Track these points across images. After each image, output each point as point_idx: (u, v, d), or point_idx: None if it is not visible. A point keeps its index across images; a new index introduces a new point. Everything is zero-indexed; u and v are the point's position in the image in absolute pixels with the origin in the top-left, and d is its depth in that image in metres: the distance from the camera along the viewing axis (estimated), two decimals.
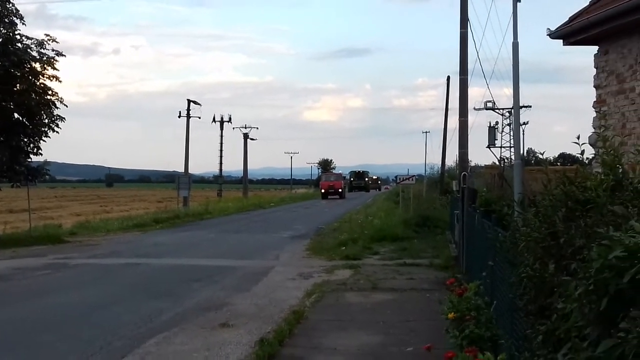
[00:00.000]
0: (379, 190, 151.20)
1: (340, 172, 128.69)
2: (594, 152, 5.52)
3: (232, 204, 65.47)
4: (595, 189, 4.44)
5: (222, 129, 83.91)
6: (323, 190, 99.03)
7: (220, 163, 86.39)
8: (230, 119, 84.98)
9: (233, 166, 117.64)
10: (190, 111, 69.03)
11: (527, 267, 4.51)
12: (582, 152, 5.35)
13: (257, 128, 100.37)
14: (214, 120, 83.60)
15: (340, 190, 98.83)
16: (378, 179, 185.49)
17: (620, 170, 4.63)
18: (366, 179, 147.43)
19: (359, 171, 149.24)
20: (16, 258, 24.71)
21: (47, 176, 34.50)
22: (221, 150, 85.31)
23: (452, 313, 9.26)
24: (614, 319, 3.04)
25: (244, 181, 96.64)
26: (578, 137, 5.33)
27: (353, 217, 41.44)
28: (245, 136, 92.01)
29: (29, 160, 31.39)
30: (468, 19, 30.54)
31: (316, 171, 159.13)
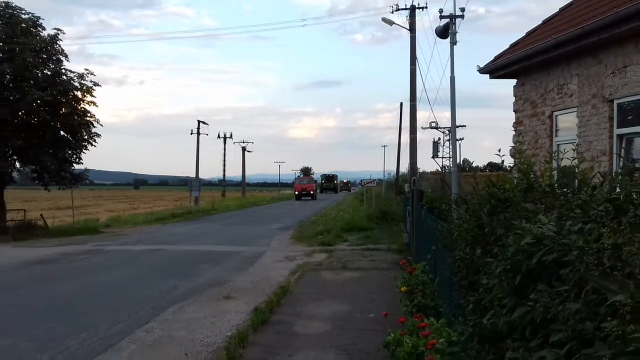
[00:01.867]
0: (349, 191, 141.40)
1: (312, 175, 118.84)
2: (513, 162, 5.55)
3: (233, 203, 65.30)
4: (512, 190, 4.48)
5: (225, 143, 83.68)
6: (297, 192, 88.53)
7: (224, 170, 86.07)
8: (231, 135, 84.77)
9: (233, 172, 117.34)
10: (200, 129, 69.01)
11: (460, 251, 4.53)
12: (502, 162, 5.43)
13: (253, 142, 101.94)
14: (218, 136, 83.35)
15: (312, 192, 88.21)
16: (348, 182, 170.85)
17: (532, 176, 4.66)
18: (335, 182, 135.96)
19: (329, 175, 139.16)
20: (62, 245, 24.58)
21: (86, 180, 34.31)
22: (224, 160, 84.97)
23: (404, 287, 9.29)
24: (526, 291, 3.06)
25: (242, 184, 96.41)
26: (499, 150, 5.40)
27: (327, 212, 41.42)
28: (243, 149, 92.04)
29: (73, 168, 31.24)
30: (416, 58, 30.80)
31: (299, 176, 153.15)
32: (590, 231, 3.02)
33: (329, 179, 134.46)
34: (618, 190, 3.67)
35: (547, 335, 2.78)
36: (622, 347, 2.03)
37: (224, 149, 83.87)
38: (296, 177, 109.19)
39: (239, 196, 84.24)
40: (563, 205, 3.74)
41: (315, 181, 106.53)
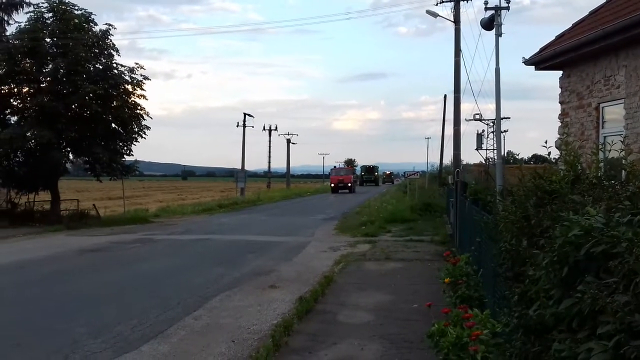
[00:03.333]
0: (392, 183, 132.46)
1: (350, 166, 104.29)
2: (559, 154, 5.46)
3: (278, 194, 65.70)
4: (559, 182, 4.41)
5: (270, 135, 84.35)
6: (332, 185, 79.03)
7: (269, 161, 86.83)
8: (276, 127, 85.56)
9: (278, 164, 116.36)
10: (245, 122, 69.87)
11: (506, 242, 4.48)
12: (549, 154, 5.33)
13: (297, 135, 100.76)
14: (263, 128, 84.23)
15: (349, 184, 77.87)
16: (392, 173, 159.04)
17: (579, 168, 4.59)
18: (376, 174, 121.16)
19: (370, 166, 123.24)
20: (113, 234, 25.00)
21: (136, 172, 34.71)
22: (269, 152, 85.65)
23: (448, 278, 9.23)
24: (573, 283, 3.02)
25: (287, 175, 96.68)
26: (546, 142, 5.31)
27: (371, 203, 41.34)
28: (288, 141, 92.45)
29: (123, 159, 31.62)
30: (460, 50, 30.46)
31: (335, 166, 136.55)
32: (639, 223, 2.96)
33: (370, 170, 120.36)
34: None
35: (594, 327, 2.74)
36: None
37: (269, 141, 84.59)
38: (332, 167, 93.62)
39: (283, 187, 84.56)
40: (611, 197, 3.67)
41: (354, 172, 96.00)
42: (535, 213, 4.19)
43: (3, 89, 29.73)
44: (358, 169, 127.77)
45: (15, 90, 30.07)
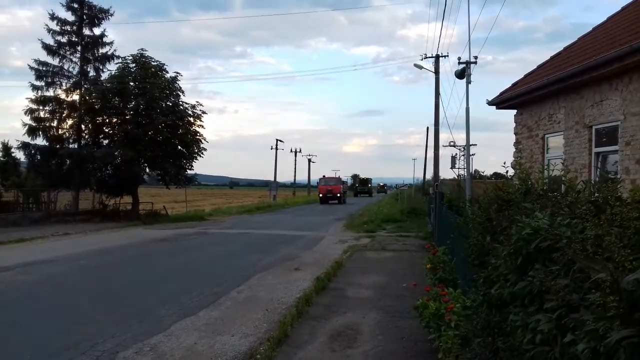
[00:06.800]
0: (385, 193, 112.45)
1: (339, 176, 72.70)
2: (514, 172, 5.43)
3: (301, 199, 65.61)
4: (514, 193, 4.38)
5: (295, 156, 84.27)
6: (321, 195, 59.48)
7: (294, 175, 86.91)
8: (300, 150, 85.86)
9: (301, 177, 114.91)
10: (277, 145, 70.06)
11: (474, 238, 4.46)
12: (507, 172, 5.32)
13: (316, 155, 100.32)
14: (291, 150, 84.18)
15: (339, 195, 59.06)
16: (384, 185, 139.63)
17: (529, 183, 4.56)
18: (369, 185, 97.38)
19: (363, 178, 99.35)
20: (178, 228, 25.11)
21: (196, 182, 35.07)
22: (295, 168, 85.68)
23: (429, 264, 9.20)
24: (525, 270, 3.00)
25: (307, 186, 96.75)
26: (504, 163, 5.29)
27: (371, 208, 41.26)
28: (309, 160, 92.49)
29: (186, 172, 31.74)
30: (439, 93, 30.42)
31: (351, 181, 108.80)
32: (576, 225, 2.94)
33: (363, 182, 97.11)
34: (596, 194, 3.58)
35: (542, 303, 2.72)
36: (602, 313, 2.00)
37: (295, 160, 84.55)
38: (321, 177, 65.98)
39: (305, 195, 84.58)
40: (554, 205, 3.65)
41: (344, 182, 70.56)
42: (496, 216, 4.17)
43: (98, 119, 30.02)
44: (350, 180, 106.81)
45: (107, 120, 30.37)
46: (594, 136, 10.76)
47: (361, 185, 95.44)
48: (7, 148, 33.55)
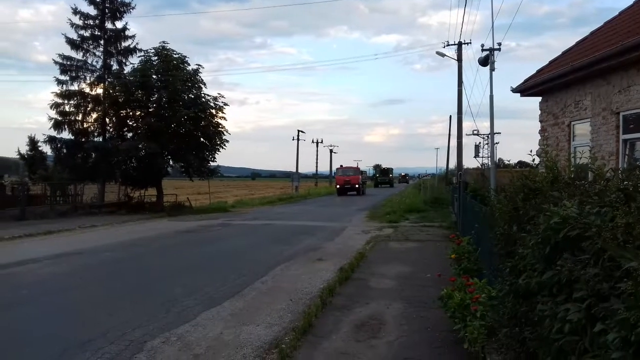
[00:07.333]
0: (407, 183, 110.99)
1: (357, 165, 66.95)
2: (539, 160, 5.36)
3: (323, 190, 65.54)
4: (541, 182, 4.33)
5: (317, 146, 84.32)
6: (338, 186, 56.39)
7: (316, 166, 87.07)
8: (322, 141, 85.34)
9: (323, 168, 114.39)
10: (299, 136, 70.20)
11: (500, 227, 4.43)
12: (533, 160, 5.25)
13: (338, 146, 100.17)
14: (312, 141, 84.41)
15: (357, 185, 55.05)
16: (406, 175, 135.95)
17: (556, 171, 4.50)
18: (390, 175, 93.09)
19: (384, 168, 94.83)
20: (201, 220, 25.34)
21: (218, 174, 35.23)
22: (317, 159, 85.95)
23: (454, 254, 9.14)
24: (553, 259, 2.97)
25: (329, 177, 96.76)
26: (531, 151, 5.23)
27: (393, 199, 41.10)
28: (331, 151, 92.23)
29: (209, 164, 31.91)
30: (462, 81, 30.14)
31: (372, 172, 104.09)
32: (606, 213, 2.90)
33: (384, 172, 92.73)
34: (626, 182, 3.51)
35: (570, 293, 2.69)
36: (634, 302, 1.97)
37: (317, 151, 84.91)
38: (338, 167, 61.97)
39: (327, 185, 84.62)
40: (582, 193, 3.59)
41: (363, 172, 65.88)
42: (523, 205, 4.13)
43: (122, 113, 30.38)
44: (371, 170, 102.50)
45: (131, 113, 30.70)
46: (622, 123, 10.54)
47: (382, 176, 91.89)
48: (33, 142, 34.15)
